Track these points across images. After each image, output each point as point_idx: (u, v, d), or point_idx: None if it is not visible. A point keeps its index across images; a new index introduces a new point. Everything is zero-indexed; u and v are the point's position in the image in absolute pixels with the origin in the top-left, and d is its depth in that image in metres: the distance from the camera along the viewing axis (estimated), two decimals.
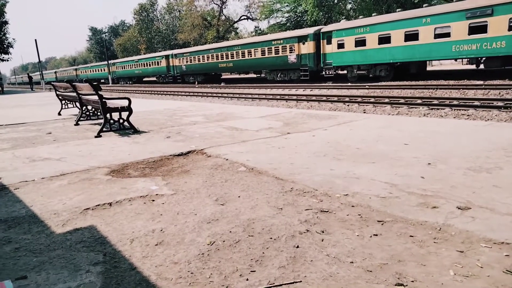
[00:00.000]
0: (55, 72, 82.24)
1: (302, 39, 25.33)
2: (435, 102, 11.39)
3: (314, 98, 15.72)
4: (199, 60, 36.36)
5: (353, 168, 3.54)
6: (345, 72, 24.23)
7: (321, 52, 24.17)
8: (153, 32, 73.07)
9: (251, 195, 2.96)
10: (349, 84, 21.57)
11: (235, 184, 3.24)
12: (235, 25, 65.57)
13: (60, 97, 9.81)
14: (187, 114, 8.70)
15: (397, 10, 22.44)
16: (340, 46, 22.99)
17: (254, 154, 4.29)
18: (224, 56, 32.91)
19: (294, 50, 26.00)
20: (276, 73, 28.43)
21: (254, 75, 34.95)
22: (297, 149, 4.42)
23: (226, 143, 4.99)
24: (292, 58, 26.22)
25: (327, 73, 24.25)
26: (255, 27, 65.39)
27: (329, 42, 23.69)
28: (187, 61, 38.31)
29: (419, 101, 11.91)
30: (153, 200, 2.95)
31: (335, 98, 14.83)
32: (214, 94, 22.26)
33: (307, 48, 25.04)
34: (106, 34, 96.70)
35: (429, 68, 25.20)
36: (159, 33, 72.79)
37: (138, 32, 75.04)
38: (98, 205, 2.90)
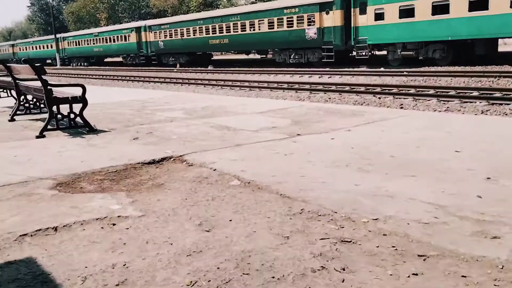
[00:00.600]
0: None
1: (325, 6, 25.28)
2: (497, 95, 11.44)
3: (333, 88, 15.78)
4: (182, 34, 36.33)
5: (385, 183, 3.54)
6: (384, 52, 24.14)
7: (352, 25, 24.05)
8: None
9: (246, 219, 2.95)
10: (381, 69, 21.59)
11: (225, 203, 3.23)
12: None
13: None
14: (162, 108, 8.71)
15: None
16: (379, 17, 22.91)
17: (251, 162, 4.29)
18: (217, 30, 32.86)
19: (314, 21, 25.95)
20: (288, 54, 28.32)
21: (258, 56, 34.90)
22: (310, 157, 4.42)
23: (214, 147, 4.99)
24: (311, 32, 26.15)
25: (360, 53, 24.16)
26: None
27: (363, 12, 23.56)
28: (165, 36, 38.29)
29: (475, 93, 11.96)
30: (113, 224, 2.94)
31: (362, 88, 14.89)
32: (200, 81, 22.36)
33: (332, 19, 24.95)
34: None
35: (501, 48, 24.94)
36: None
37: None
38: (40, 230, 2.89)
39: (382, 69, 21.42)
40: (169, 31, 37.80)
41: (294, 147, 4.86)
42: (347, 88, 15.38)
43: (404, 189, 3.38)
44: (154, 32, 39.46)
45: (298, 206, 3.13)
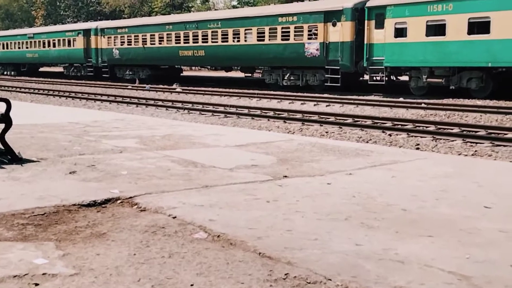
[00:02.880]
0: None
1: (332, 16, 25.57)
2: None
3: (332, 119, 15.98)
4: (144, 42, 36.41)
5: (395, 243, 3.54)
6: (406, 78, 24.45)
7: (365, 42, 24.33)
8: None
9: (213, 284, 2.90)
10: (399, 99, 21.88)
11: (186, 263, 3.18)
12: None
13: None
14: (110, 134, 8.67)
15: None
16: (400, 32, 23.24)
17: (223, 210, 4.26)
18: (191, 38, 33.02)
19: (316, 34, 26.17)
20: (281, 73, 28.43)
21: (241, 75, 35.12)
22: (299, 206, 4.41)
23: (176, 188, 4.96)
24: (312, 48, 26.35)
25: (374, 78, 24.42)
26: None
27: (379, 25, 23.84)
28: (122, 43, 38.35)
29: (510, 134, 12.23)
30: (36, 285, 2.86)
31: (369, 122, 15.11)
32: (161, 102, 22.42)
33: (341, 32, 25.19)
34: None
35: None
36: None
37: None
38: None
39: (401, 99, 21.62)
40: (128, 36, 37.80)
41: (279, 193, 4.85)
42: (350, 120, 15.59)
43: (419, 252, 3.38)
44: (108, 37, 39.45)
45: (282, 269, 3.09)
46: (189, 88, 31.01)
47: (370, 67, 24.26)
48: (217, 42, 31.49)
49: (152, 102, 22.79)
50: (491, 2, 20.38)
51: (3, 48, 52.74)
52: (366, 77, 25.60)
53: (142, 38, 36.56)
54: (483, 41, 20.65)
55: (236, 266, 3.14)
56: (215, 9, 56.16)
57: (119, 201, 4.51)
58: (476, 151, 10.83)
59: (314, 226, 3.88)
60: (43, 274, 2.99)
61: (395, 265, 3.18)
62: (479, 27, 20.98)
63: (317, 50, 26.11)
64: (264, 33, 28.74)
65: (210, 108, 19.87)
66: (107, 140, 8.01)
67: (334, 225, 3.93)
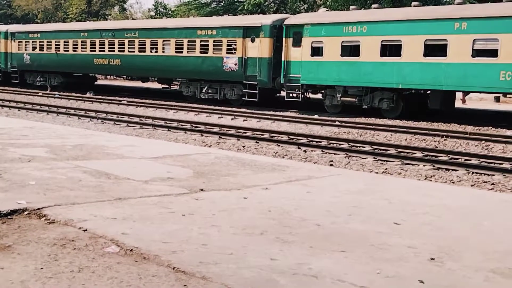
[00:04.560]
0: None
1: (250, 32, 25.92)
2: (444, 158, 12.31)
3: (249, 133, 16.09)
4: (57, 48, 35.33)
5: (308, 258, 3.60)
6: (320, 96, 25.07)
7: (283, 59, 24.81)
8: None
9: None
10: (314, 116, 22.37)
11: (96, 277, 3.11)
12: None
13: None
14: (18, 142, 8.33)
15: (374, 6, 24.16)
16: (316, 51, 23.86)
17: (137, 223, 4.19)
18: (106, 47, 32.35)
19: (235, 49, 26.40)
20: (199, 86, 28.42)
21: (158, 86, 34.71)
22: (216, 220, 4.41)
23: (87, 200, 4.83)
24: (230, 62, 26.54)
25: (290, 95, 24.88)
26: (156, 2, 66.69)
27: (297, 43, 24.36)
28: (34, 48, 37.03)
29: (418, 154, 12.78)
30: None
31: (285, 138, 15.34)
32: (73, 111, 21.76)
33: (259, 49, 25.61)
34: None
35: (458, 104, 26.52)
36: None
37: None
38: None
39: (316, 116, 22.12)
40: (40, 41, 36.61)
41: (195, 206, 4.83)
42: (266, 135, 15.75)
43: (332, 267, 3.45)
44: (19, 41, 38.05)
45: (196, 284, 3.07)
46: (103, 96, 30.35)
47: (287, 83, 24.68)
48: (134, 51, 31.06)
49: (63, 110, 22.09)
50: (402, 26, 21.32)
51: None
52: (283, 93, 26.00)
53: (55, 44, 35.50)
54: (394, 63, 21.52)
55: (149, 281, 3.09)
56: (133, 19, 55.48)
57: (26, 213, 4.34)
58: (386, 168, 11.22)
59: (229, 241, 3.88)
60: None
61: (308, 280, 3.23)
62: (391, 49, 21.91)
63: (235, 64, 26.33)
64: (182, 45, 28.65)
65: (125, 118, 19.49)
66: (15, 148, 7.69)
67: (249, 239, 3.95)
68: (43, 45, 36.33)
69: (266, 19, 25.91)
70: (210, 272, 3.25)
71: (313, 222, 4.51)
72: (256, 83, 25.57)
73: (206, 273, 3.22)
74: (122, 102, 27.18)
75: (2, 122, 12.14)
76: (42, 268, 3.18)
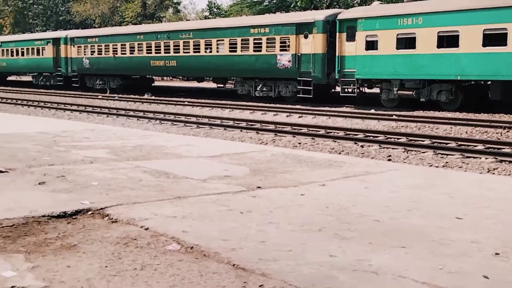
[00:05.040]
0: None
1: (304, 28, 25.78)
2: (507, 150, 11.94)
3: (305, 130, 16.04)
4: (115, 51, 36.12)
5: (368, 254, 3.57)
6: (377, 90, 24.72)
7: (337, 54, 24.54)
8: None
9: None
10: (371, 111, 22.12)
11: (159, 275, 3.16)
12: None
13: None
14: (80, 145, 8.58)
15: None
16: (371, 45, 23.49)
17: (196, 221, 4.25)
18: (162, 48, 32.88)
19: (288, 46, 26.34)
20: (254, 84, 28.55)
21: (213, 85, 35.12)
22: (273, 217, 4.42)
23: (148, 199, 4.93)
24: (284, 60, 26.50)
25: (345, 90, 24.61)
26: (210, 2, 67.37)
27: (351, 38, 24.06)
28: (92, 52, 37.99)
29: (480, 146, 12.44)
30: None
31: (341, 133, 15.22)
32: (132, 113, 22.24)
33: (312, 45, 25.42)
34: None
35: None
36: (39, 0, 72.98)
37: None
38: None
39: (372, 111, 21.84)
40: (98, 46, 37.51)
41: (252, 204, 4.85)
42: (322, 131, 15.67)
43: (392, 263, 3.41)
44: (78, 46, 39.08)
45: (256, 281, 3.09)
46: (161, 97, 30.87)
47: (342, 79, 24.48)
48: (189, 52, 31.43)
49: (123, 112, 22.59)
50: (459, 17, 20.72)
51: None
52: (338, 88, 25.79)
53: (113, 48, 36.29)
54: (452, 54, 20.98)
55: (209, 278, 3.13)
56: (187, 20, 56.21)
57: (90, 213, 4.47)
58: (446, 162, 10.97)
59: (288, 237, 3.89)
60: (12, 287, 2.95)
61: (369, 276, 3.20)
62: (448, 40, 21.36)
63: (289, 61, 26.27)
64: (236, 44, 28.81)
65: (182, 118, 19.77)
66: (77, 150, 7.92)
67: (308, 236, 3.94)
68: (101, 49, 37.20)
69: (319, 15, 25.77)
70: (270, 268, 3.26)
71: (372, 218, 4.46)
72: (310, 79, 25.47)
73: (265, 270, 3.24)
74: (184, 102, 27.51)
75: (65, 125, 12.53)
76: (106, 266, 3.26)
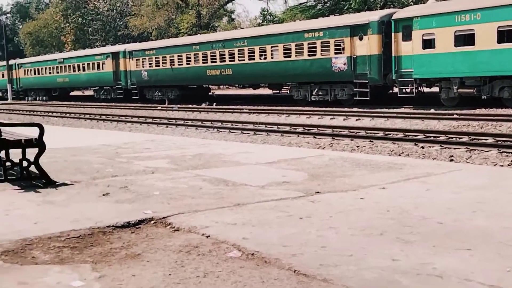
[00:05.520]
0: None
1: (358, 30, 25.58)
2: None
3: (363, 133, 15.87)
4: (172, 63, 36.80)
5: (432, 257, 3.50)
6: (436, 89, 24.25)
7: (393, 54, 24.25)
8: (87, 15, 75.48)
9: None
10: (430, 111, 21.70)
11: (221, 282, 3.19)
12: (228, 5, 67.69)
13: None
14: (141, 155, 8.77)
15: None
16: (428, 44, 23.05)
17: (256, 228, 4.27)
18: (218, 57, 33.32)
19: (343, 49, 26.18)
20: (309, 89, 28.53)
21: (269, 91, 35.28)
22: (333, 222, 4.40)
23: (208, 207, 4.99)
24: (339, 63, 26.35)
25: (403, 90, 24.25)
26: (263, 9, 67.65)
27: (407, 37, 23.71)
28: (150, 64, 38.81)
29: None
30: None
31: (400, 135, 14.96)
32: (190, 122, 22.58)
33: (368, 46, 25.16)
34: (8, 16, 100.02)
35: None
36: (98, 15, 75.12)
37: (62, 15, 77.55)
38: None
39: (432, 110, 21.40)
40: (156, 58, 38.27)
41: (312, 209, 4.84)
42: (381, 133, 15.47)
43: (457, 266, 3.33)
44: (136, 59, 39.96)
45: (318, 286, 3.08)
46: (218, 106, 31.21)
47: (399, 79, 24.12)
48: (244, 60, 31.67)
49: (181, 122, 22.96)
50: None
51: (35, 74, 53.88)
52: (396, 89, 25.41)
53: (170, 59, 36.96)
54: None
55: (271, 284, 3.14)
56: (241, 28, 56.70)
57: (152, 222, 4.56)
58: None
59: (348, 242, 3.86)
60: None
61: (433, 280, 3.14)
62: (509, 35, 20.71)
63: (344, 64, 26.09)
64: (290, 49, 28.83)
65: (239, 126, 19.91)
66: (139, 161, 8.10)
67: (369, 240, 3.90)
68: (159, 61, 37.94)
69: (373, 16, 25.51)
70: (331, 274, 3.25)
71: (434, 220, 4.37)
72: (366, 81, 25.22)
73: (327, 275, 3.23)
74: (243, 109, 27.70)
75: (126, 137, 12.85)
76: (170, 275, 3.32)
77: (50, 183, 6.24)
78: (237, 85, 42.09)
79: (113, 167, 7.55)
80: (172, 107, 32.25)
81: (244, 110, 27.43)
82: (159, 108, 33.41)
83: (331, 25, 27.01)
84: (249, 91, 44.39)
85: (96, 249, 3.87)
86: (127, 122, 24.44)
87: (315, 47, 27.51)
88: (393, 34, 24.15)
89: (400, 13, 24.46)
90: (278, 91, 33.17)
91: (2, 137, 6.23)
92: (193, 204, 5.13)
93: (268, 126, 19.32)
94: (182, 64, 36.12)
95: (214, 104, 33.26)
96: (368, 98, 25.17)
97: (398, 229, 4.16)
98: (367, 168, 6.96)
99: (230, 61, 32.53)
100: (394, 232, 4.07)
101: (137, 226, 4.46)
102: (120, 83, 41.75)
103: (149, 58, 38.95)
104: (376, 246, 3.77)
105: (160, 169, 7.25)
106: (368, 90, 25.22)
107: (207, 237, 4.07)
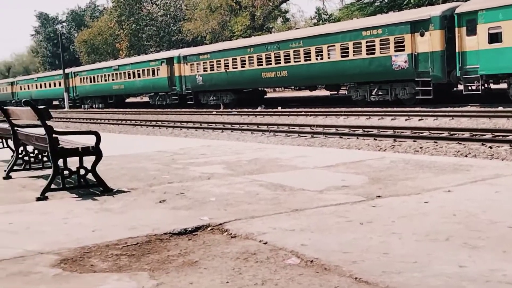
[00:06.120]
0: None
1: (419, 26, 25.21)
2: None
3: (426, 133, 15.59)
4: (226, 66, 37.15)
5: (502, 264, 3.40)
6: (504, 85, 23.61)
7: (457, 50, 23.78)
8: (141, 21, 77.08)
9: None
10: (498, 109, 21.11)
11: None
12: (283, 6, 67.71)
13: None
14: (197, 161, 8.88)
15: None
16: (494, 38, 22.47)
17: (315, 234, 4.25)
18: (273, 59, 33.43)
19: (404, 46, 25.87)
20: (369, 89, 28.29)
21: (326, 93, 35.11)
22: (396, 227, 4.33)
23: (265, 213, 5.00)
24: (400, 60, 26.02)
25: (469, 88, 23.73)
26: (318, 9, 67.43)
27: (471, 32, 23.23)
28: (205, 69, 39.27)
29: None
30: None
31: (466, 134, 14.62)
32: (246, 126, 22.73)
33: (429, 42, 24.75)
34: (64, 25, 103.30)
35: None
36: (151, 21, 76.60)
37: (116, 21, 79.49)
38: None
39: (500, 108, 20.81)
40: (210, 62, 38.70)
41: (373, 214, 4.79)
42: (445, 134, 15.16)
43: None
44: (191, 64, 40.48)
45: None
46: (273, 109, 31.28)
47: (464, 76, 23.57)
48: (299, 61, 31.64)
49: (237, 126, 23.13)
50: None
51: (91, 81, 55.44)
52: (460, 87, 24.85)
53: (225, 63, 37.28)
54: None
55: None
56: (296, 28, 56.69)
57: (209, 228, 4.60)
58: None
59: (412, 248, 3.80)
60: None
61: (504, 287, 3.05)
62: None
63: (405, 62, 25.71)
64: (348, 48, 28.63)
65: (296, 129, 19.90)
66: (195, 167, 8.20)
67: (434, 246, 3.83)
68: (213, 65, 38.33)
69: (435, 10, 25.05)
70: (394, 281, 3.20)
71: (504, 224, 4.24)
72: (429, 79, 24.78)
73: (389, 283, 3.18)
74: (301, 112, 27.62)
75: (181, 143, 13.03)
76: (227, 282, 3.34)
77: (107, 191, 6.39)
78: (293, 87, 42.11)
79: (169, 173, 7.68)
80: (231, 111, 32.46)
81: (301, 113, 27.39)
82: (214, 113, 33.77)
83: (390, 22, 26.68)
84: (306, 93, 44.31)
85: (153, 257, 3.94)
86: (182, 127, 24.83)
87: (374, 45, 27.23)
88: (456, 29, 23.65)
89: (464, 7, 23.92)
90: (335, 92, 33.00)
91: (60, 145, 6.41)
92: (249, 210, 5.15)
93: (326, 128, 19.23)
94: (236, 68, 36.38)
95: (260, 108, 33.26)
96: (431, 97, 24.74)
97: (465, 234, 4.06)
98: (431, 170, 6.83)
99: (285, 62, 32.56)
100: (461, 237, 3.98)
101: (194, 233, 4.51)
102: (175, 88, 42.36)
103: (203, 63, 39.39)
104: (441, 252, 3.69)
105: (216, 175, 7.32)
106: (431, 88, 24.78)
107: (264, 243, 4.07)
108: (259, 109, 33.33)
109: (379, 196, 5.48)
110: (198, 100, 40.70)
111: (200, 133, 22.48)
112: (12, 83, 75.01)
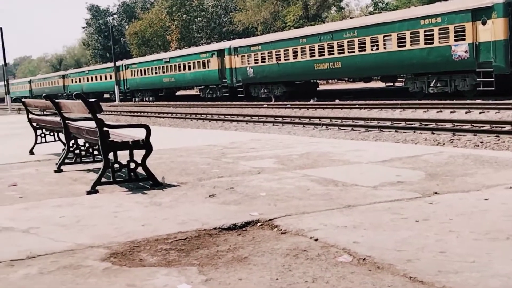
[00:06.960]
0: (30, 82, 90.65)
1: (480, 14, 24.60)
2: None
3: (487, 127, 15.22)
4: (278, 58, 37.08)
5: None
6: None
7: None
8: (192, 12, 77.84)
9: None
10: None
11: (331, 287, 3.19)
12: None
13: (35, 124, 10.72)
14: (247, 155, 8.92)
15: None
16: None
17: (368, 231, 4.22)
18: (326, 50, 33.20)
19: (464, 35, 25.33)
20: (426, 80, 27.82)
21: (382, 85, 34.66)
22: (453, 225, 4.26)
23: (316, 209, 4.99)
24: (460, 50, 25.48)
25: None
26: None
27: None
28: (256, 61, 39.32)
29: None
30: None
31: None
32: (297, 120, 22.69)
33: (492, 31, 24.13)
34: (115, 17, 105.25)
35: None
36: (202, 12, 77.24)
37: (167, 13, 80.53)
38: None
39: None
40: (261, 53, 38.71)
41: (429, 211, 4.72)
42: (508, 127, 14.76)
43: None
44: (242, 56, 40.61)
45: None
46: (326, 102, 31.09)
47: None
48: (354, 52, 31.32)
49: (288, 119, 23.11)
50: None
51: (141, 74, 56.32)
52: None
53: (276, 54, 37.22)
54: None
55: None
56: (351, 17, 56.13)
57: (259, 224, 4.62)
58: None
59: (470, 247, 3.73)
60: None
61: None
62: None
63: (466, 52, 25.14)
64: (405, 38, 28.17)
65: (350, 122, 19.75)
66: (245, 161, 8.24)
67: (494, 245, 3.74)
68: (264, 56, 38.31)
69: None
70: (451, 281, 3.15)
71: None
72: (491, 69, 24.15)
73: (446, 283, 3.13)
74: (355, 105, 27.37)
75: (232, 136, 13.12)
76: (277, 279, 3.35)
77: (157, 185, 6.49)
78: (346, 79, 41.69)
79: (219, 167, 7.74)
80: (286, 105, 32.40)
81: (355, 106, 27.15)
82: (265, 105, 33.79)
83: (450, 10, 26.09)
84: (360, 85, 43.86)
85: (202, 252, 3.98)
86: (232, 121, 24.97)
87: (433, 35, 26.71)
88: None
89: None
90: (391, 84, 32.53)
91: (110, 139, 6.55)
92: (300, 205, 5.15)
93: (380, 122, 19.01)
94: (288, 59, 36.27)
95: (313, 100, 33.02)
96: (493, 89, 24.09)
97: None
98: (492, 166, 6.67)
99: (339, 53, 32.29)
100: None
101: (243, 228, 4.54)
102: (225, 81, 42.57)
103: (254, 54, 39.44)
104: (502, 251, 3.61)
105: (266, 169, 7.34)
106: (493, 79, 24.15)
107: (315, 240, 4.07)
108: (311, 101, 33.18)
109: (436, 193, 5.40)
110: (249, 92, 40.80)
111: (250, 126, 22.56)
112: (63, 76, 76.94)
